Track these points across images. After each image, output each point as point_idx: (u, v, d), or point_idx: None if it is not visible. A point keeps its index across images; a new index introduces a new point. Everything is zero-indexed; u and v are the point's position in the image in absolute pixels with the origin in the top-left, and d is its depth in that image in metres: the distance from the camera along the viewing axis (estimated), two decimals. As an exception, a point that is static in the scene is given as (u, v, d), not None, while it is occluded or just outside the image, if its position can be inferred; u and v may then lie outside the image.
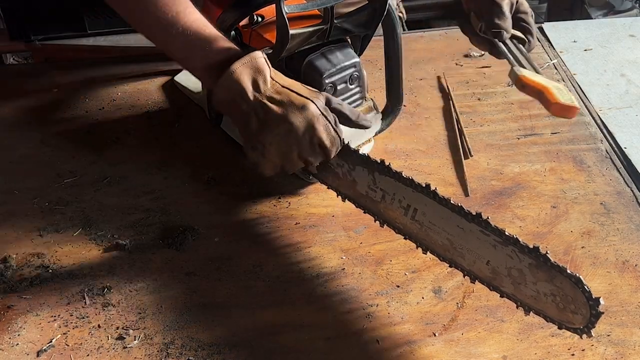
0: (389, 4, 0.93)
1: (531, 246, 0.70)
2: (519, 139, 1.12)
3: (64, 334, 0.81)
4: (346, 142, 0.86)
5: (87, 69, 1.31)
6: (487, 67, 1.30)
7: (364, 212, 0.87)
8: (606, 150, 1.09)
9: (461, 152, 1.09)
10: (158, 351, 0.79)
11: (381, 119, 1.04)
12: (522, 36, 1.01)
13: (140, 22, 0.88)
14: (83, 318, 0.83)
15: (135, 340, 0.80)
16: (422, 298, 0.85)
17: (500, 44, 0.98)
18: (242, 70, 0.81)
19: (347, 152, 0.86)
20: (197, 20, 0.85)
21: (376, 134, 1.05)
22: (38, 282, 0.87)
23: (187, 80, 1.22)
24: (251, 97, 0.82)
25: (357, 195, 0.87)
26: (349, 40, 0.98)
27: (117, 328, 0.82)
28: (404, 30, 0.98)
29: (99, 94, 1.24)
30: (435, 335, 0.81)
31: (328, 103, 0.85)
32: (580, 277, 0.67)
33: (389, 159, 0.83)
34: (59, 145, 1.11)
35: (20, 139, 1.13)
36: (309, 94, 0.83)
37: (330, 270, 0.89)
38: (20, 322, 0.82)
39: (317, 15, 0.93)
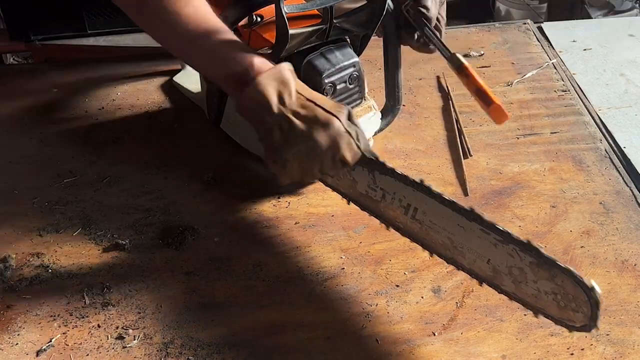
0: (388, 4, 0.93)
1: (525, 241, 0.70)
2: (518, 138, 1.12)
3: (63, 333, 0.81)
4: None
5: (87, 69, 1.31)
6: (486, 67, 1.31)
7: (361, 209, 0.87)
8: (605, 150, 1.09)
9: (460, 151, 1.09)
10: (158, 351, 0.79)
11: (380, 119, 1.04)
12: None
13: (161, 35, 0.88)
14: (83, 318, 0.83)
15: (134, 339, 0.80)
16: (422, 297, 0.85)
17: (425, 27, 0.94)
18: (267, 82, 0.79)
19: None
20: (218, 32, 0.84)
21: (375, 134, 1.05)
22: (38, 282, 0.87)
23: (186, 80, 1.22)
24: (275, 110, 0.80)
25: (357, 195, 0.87)
26: (348, 40, 0.98)
27: (117, 328, 0.82)
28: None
29: (99, 94, 1.24)
30: (434, 334, 0.81)
31: (350, 117, 0.83)
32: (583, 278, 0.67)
33: (389, 159, 0.83)
34: (59, 145, 1.11)
35: (20, 139, 1.13)
36: (333, 108, 0.81)
37: (329, 269, 0.89)
38: (20, 322, 0.83)
39: (316, 15, 0.93)
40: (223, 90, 0.96)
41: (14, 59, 2.18)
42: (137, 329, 0.82)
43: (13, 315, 0.83)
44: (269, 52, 0.89)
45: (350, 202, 0.89)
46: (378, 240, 0.93)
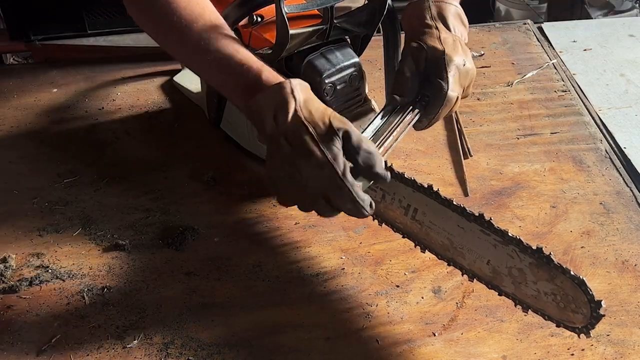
0: (388, 4, 0.93)
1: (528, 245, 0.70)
2: (518, 138, 1.12)
3: (63, 333, 0.81)
4: None
5: (87, 69, 1.31)
6: (486, 67, 1.30)
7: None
8: (606, 150, 1.09)
9: (461, 152, 1.09)
10: (158, 351, 0.79)
11: (381, 119, 1.04)
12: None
13: (172, 46, 0.87)
14: (83, 318, 0.83)
15: (134, 340, 0.80)
16: (422, 298, 0.85)
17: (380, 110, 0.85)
18: (265, 102, 0.76)
19: None
20: (228, 44, 0.81)
21: (376, 134, 1.05)
22: (38, 282, 0.87)
23: (186, 80, 1.22)
24: (269, 131, 0.75)
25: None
26: (348, 40, 0.98)
27: (117, 328, 0.82)
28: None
29: (99, 94, 1.24)
30: (434, 335, 0.81)
31: (355, 144, 0.73)
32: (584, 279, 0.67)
33: (389, 159, 0.83)
34: (59, 145, 1.11)
35: (20, 139, 1.13)
36: (324, 140, 0.72)
37: (329, 270, 0.89)
38: (20, 322, 0.82)
39: (316, 15, 0.93)
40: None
41: (14, 59, 2.18)
42: (137, 329, 0.82)
43: (13, 316, 0.83)
44: (269, 52, 0.89)
45: None
46: (378, 241, 0.93)
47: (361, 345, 0.80)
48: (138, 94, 1.23)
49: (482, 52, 1.35)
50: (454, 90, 0.84)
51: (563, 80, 1.26)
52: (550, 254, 0.69)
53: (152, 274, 0.89)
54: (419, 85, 0.86)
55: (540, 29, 1.45)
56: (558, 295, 0.70)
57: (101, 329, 0.82)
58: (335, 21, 0.90)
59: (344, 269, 0.89)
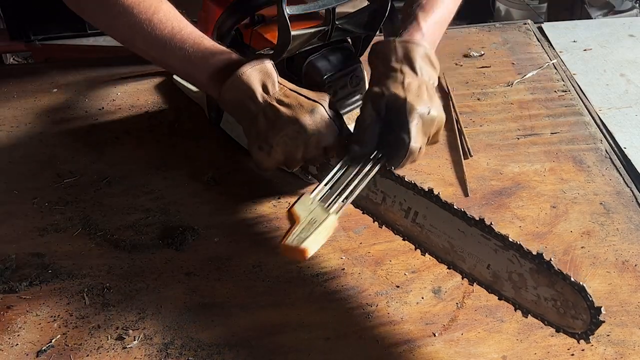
0: (389, 5, 0.93)
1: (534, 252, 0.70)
2: (518, 139, 1.12)
3: (63, 334, 0.81)
4: None
5: (87, 69, 1.31)
6: (486, 67, 1.30)
7: (363, 213, 0.88)
8: (606, 150, 1.09)
9: (461, 152, 1.09)
10: (158, 351, 0.79)
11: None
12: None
13: (136, 44, 0.89)
14: (83, 318, 0.83)
15: (134, 340, 0.80)
16: (422, 298, 0.85)
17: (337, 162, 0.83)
18: (251, 73, 0.83)
19: None
20: (192, 33, 0.86)
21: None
22: (38, 282, 0.87)
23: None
24: (260, 99, 0.83)
25: (357, 197, 0.86)
26: (349, 41, 0.98)
27: (117, 328, 0.82)
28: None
29: (99, 94, 1.24)
30: (435, 335, 0.81)
31: (331, 104, 0.85)
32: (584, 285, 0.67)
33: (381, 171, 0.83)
34: (59, 145, 1.11)
35: (20, 139, 1.13)
36: (317, 97, 0.84)
37: (330, 270, 0.89)
38: (20, 322, 0.82)
39: (318, 16, 0.93)
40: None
41: (14, 59, 2.18)
42: (137, 329, 0.82)
43: (13, 316, 0.83)
44: (270, 52, 0.89)
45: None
46: (378, 241, 0.93)
47: (361, 346, 0.80)
48: (138, 94, 1.23)
49: (482, 52, 1.35)
50: (416, 141, 0.81)
51: (563, 80, 1.26)
52: (550, 259, 0.69)
53: (152, 274, 0.89)
54: (380, 134, 0.82)
55: (540, 29, 1.45)
56: (558, 300, 0.70)
57: (101, 329, 0.82)
58: (336, 22, 0.90)
59: (344, 269, 0.89)
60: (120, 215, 0.97)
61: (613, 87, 1.26)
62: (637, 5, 2.52)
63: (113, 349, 0.79)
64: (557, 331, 0.72)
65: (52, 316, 0.83)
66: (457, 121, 1.15)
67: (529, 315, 0.74)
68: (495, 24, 1.48)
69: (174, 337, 0.81)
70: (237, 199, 1.00)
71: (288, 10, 0.83)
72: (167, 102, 1.21)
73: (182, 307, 0.84)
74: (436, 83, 0.88)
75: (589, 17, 2.44)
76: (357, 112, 0.97)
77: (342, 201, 0.78)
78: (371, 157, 0.82)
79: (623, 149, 1.09)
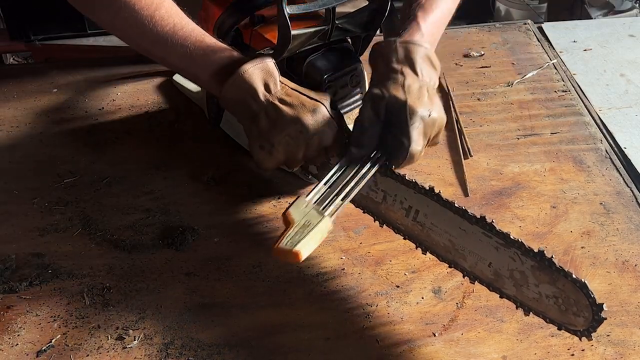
0: (389, 5, 0.93)
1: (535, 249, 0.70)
2: (518, 139, 1.12)
3: (63, 334, 0.81)
4: None
5: (87, 69, 1.31)
6: (486, 67, 1.30)
7: (364, 212, 0.88)
8: (606, 151, 1.09)
9: (461, 152, 1.09)
10: (158, 351, 0.79)
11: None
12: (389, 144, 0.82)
13: (137, 41, 0.89)
14: (83, 318, 0.83)
15: (135, 340, 0.80)
16: (422, 298, 0.85)
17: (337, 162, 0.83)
18: (253, 71, 0.83)
19: None
20: (194, 30, 0.86)
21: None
22: (38, 282, 0.87)
23: (186, 79, 1.22)
24: (262, 97, 0.83)
25: (358, 196, 0.87)
26: (349, 40, 0.98)
27: (117, 328, 0.82)
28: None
29: (99, 94, 1.24)
30: (435, 335, 0.81)
31: (333, 104, 0.86)
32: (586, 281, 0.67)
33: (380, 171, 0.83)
34: (59, 145, 1.11)
35: (20, 139, 1.13)
36: (318, 97, 0.84)
37: (330, 270, 0.89)
38: (20, 323, 0.82)
39: (318, 15, 0.93)
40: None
41: (14, 59, 2.18)
42: (137, 329, 0.82)
43: (13, 316, 0.83)
44: (270, 52, 0.89)
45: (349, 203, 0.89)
46: (378, 241, 0.93)
47: (361, 346, 0.80)
48: (138, 94, 1.23)
49: (482, 52, 1.35)
50: (417, 144, 0.80)
51: (563, 81, 1.26)
52: (552, 256, 0.69)
53: (152, 274, 0.89)
54: (379, 136, 0.82)
55: (540, 29, 1.45)
56: (560, 298, 0.70)
57: (101, 329, 0.82)
58: (336, 22, 0.90)
59: (344, 269, 0.89)
60: (120, 215, 0.97)
61: (613, 87, 1.26)
62: (637, 5, 2.52)
63: (113, 349, 0.79)
64: (559, 329, 0.72)
65: (52, 316, 0.83)
66: (457, 121, 1.15)
67: (531, 313, 0.74)
68: (495, 24, 1.48)
69: (174, 337, 0.81)
70: (237, 199, 1.00)
71: (288, 10, 0.83)
72: (167, 102, 1.21)
73: (182, 307, 0.84)
74: (437, 84, 0.87)
75: (589, 17, 2.44)
76: (357, 111, 0.97)
77: (338, 204, 0.78)
78: (370, 157, 0.82)
79: (623, 149, 1.09)
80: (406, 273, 0.89)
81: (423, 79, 0.84)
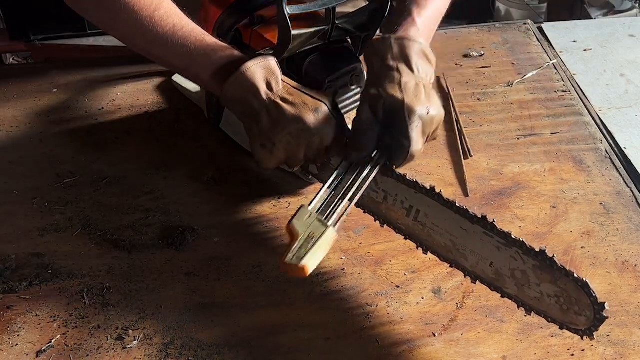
0: (389, 5, 0.93)
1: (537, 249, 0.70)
2: (518, 139, 1.12)
3: (63, 334, 0.81)
4: None
5: (87, 69, 1.31)
6: (486, 67, 1.30)
7: (364, 212, 0.88)
8: (606, 151, 1.09)
9: (461, 152, 1.09)
10: (158, 351, 0.79)
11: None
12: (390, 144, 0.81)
13: (137, 42, 0.89)
14: (83, 318, 0.83)
15: (134, 340, 0.80)
16: (422, 298, 0.85)
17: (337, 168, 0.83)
18: (255, 70, 0.82)
19: None
20: (194, 30, 0.86)
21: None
22: (38, 282, 0.87)
23: (185, 80, 1.22)
24: (264, 96, 0.83)
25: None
26: (349, 40, 0.98)
27: (117, 328, 0.82)
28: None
29: (99, 94, 1.24)
30: (434, 335, 0.81)
31: (334, 104, 0.86)
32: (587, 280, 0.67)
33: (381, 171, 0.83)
34: (59, 145, 1.11)
35: (20, 139, 1.13)
36: (320, 96, 0.84)
37: (329, 270, 0.89)
38: (20, 323, 0.82)
39: (318, 16, 0.93)
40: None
41: (14, 59, 2.18)
42: (137, 329, 0.82)
43: (13, 316, 0.83)
44: (270, 52, 0.89)
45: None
46: (378, 241, 0.93)
47: (361, 346, 0.80)
48: (138, 94, 1.23)
49: (482, 52, 1.35)
50: (417, 144, 0.80)
51: (563, 81, 1.26)
52: (553, 256, 0.69)
53: (152, 274, 0.89)
54: (378, 136, 0.81)
55: (540, 29, 1.45)
56: (561, 297, 0.70)
57: (101, 329, 0.82)
58: (336, 22, 0.90)
59: (344, 269, 0.89)
60: (120, 215, 0.97)
61: (613, 87, 1.26)
62: (637, 5, 2.52)
63: (113, 349, 0.79)
64: (561, 328, 0.72)
65: (52, 316, 0.83)
66: (457, 121, 1.15)
67: (532, 312, 0.74)
68: (495, 24, 1.48)
69: (174, 337, 0.81)
70: (237, 199, 1.00)
71: (288, 10, 0.83)
72: (167, 102, 1.21)
73: (182, 307, 0.84)
74: (433, 78, 0.87)
75: (589, 17, 2.44)
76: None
77: (340, 212, 0.77)
78: (370, 159, 0.82)
79: (623, 149, 1.09)
80: (406, 273, 0.89)
81: (419, 75, 0.83)
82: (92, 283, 0.87)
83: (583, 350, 0.78)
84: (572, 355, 0.78)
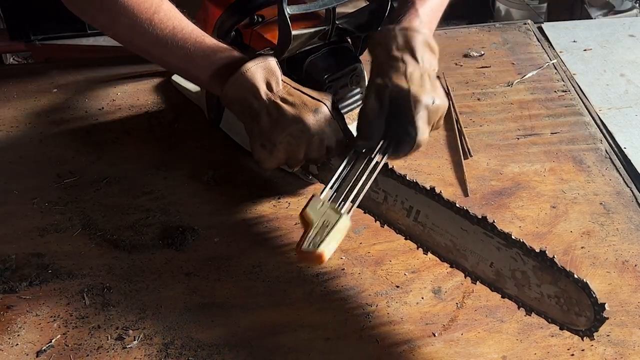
0: (389, 5, 0.93)
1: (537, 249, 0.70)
2: (518, 139, 1.12)
3: (63, 334, 0.81)
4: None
5: (87, 69, 1.31)
6: (486, 67, 1.30)
7: (365, 212, 0.88)
8: (606, 151, 1.09)
9: (461, 152, 1.09)
10: (158, 351, 0.79)
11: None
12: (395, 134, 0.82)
13: (137, 43, 0.88)
14: (83, 318, 0.83)
15: (134, 340, 0.80)
16: (422, 298, 0.85)
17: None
18: (255, 70, 0.82)
19: None
20: (193, 31, 0.86)
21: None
22: (38, 282, 0.87)
23: (185, 80, 1.22)
24: (264, 96, 0.83)
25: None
26: (349, 40, 0.98)
27: (117, 328, 0.82)
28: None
29: (99, 94, 1.24)
30: (434, 335, 0.81)
31: (334, 104, 0.85)
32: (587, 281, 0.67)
33: (389, 160, 0.83)
34: (59, 145, 1.11)
35: (20, 139, 1.13)
36: (319, 96, 0.84)
37: (329, 270, 0.89)
38: (20, 323, 0.82)
39: (318, 16, 0.93)
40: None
41: (14, 59, 2.18)
42: (137, 329, 0.82)
43: (13, 316, 0.83)
44: (270, 52, 0.89)
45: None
46: (378, 241, 0.93)
47: (361, 346, 0.80)
48: (138, 94, 1.23)
49: (482, 52, 1.35)
50: (423, 133, 0.81)
51: (563, 81, 1.26)
52: (553, 256, 0.69)
53: (152, 274, 0.89)
54: (385, 125, 0.82)
55: (540, 29, 1.45)
56: (561, 298, 0.70)
57: (101, 329, 0.82)
58: (336, 22, 0.90)
59: (344, 269, 0.89)
60: (120, 215, 0.97)
61: (613, 87, 1.26)
62: (637, 5, 2.52)
63: (113, 349, 0.79)
64: (561, 329, 0.72)
65: (52, 316, 0.83)
66: (457, 121, 1.15)
67: (532, 313, 0.74)
68: (495, 24, 1.48)
69: (174, 337, 0.81)
70: (237, 199, 1.00)
71: (288, 10, 0.83)
72: (167, 102, 1.21)
73: (182, 307, 0.84)
74: (437, 69, 0.87)
75: (589, 17, 2.44)
76: (357, 111, 0.97)
77: (352, 200, 0.78)
78: (377, 148, 0.82)
79: (623, 149, 1.09)
80: (406, 273, 0.89)
81: (424, 65, 0.84)
82: (92, 283, 0.87)
83: (583, 351, 0.78)
84: (572, 355, 0.78)
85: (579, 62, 1.34)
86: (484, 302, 0.84)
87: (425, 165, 1.06)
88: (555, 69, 1.30)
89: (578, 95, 1.23)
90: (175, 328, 0.82)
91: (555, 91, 1.23)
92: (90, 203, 1.00)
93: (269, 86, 0.83)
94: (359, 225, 0.95)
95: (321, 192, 0.79)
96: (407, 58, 0.83)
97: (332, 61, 0.93)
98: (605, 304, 0.67)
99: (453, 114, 1.17)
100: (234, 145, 1.07)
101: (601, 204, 0.99)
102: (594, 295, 0.67)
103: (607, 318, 0.67)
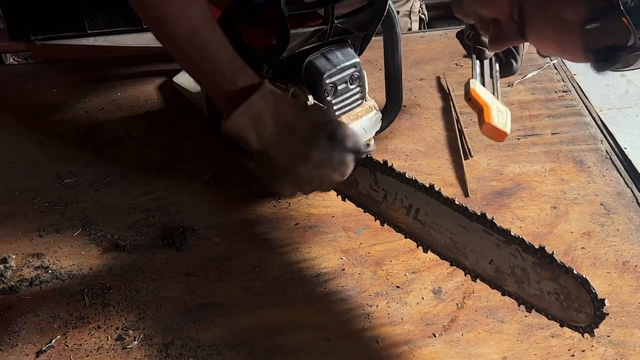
0: (388, 5, 0.93)
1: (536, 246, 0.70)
2: (519, 139, 1.12)
3: (63, 334, 0.81)
4: None
5: (87, 69, 1.31)
6: (487, 67, 1.30)
7: (365, 212, 0.87)
8: (606, 151, 1.09)
9: (461, 152, 1.09)
10: (158, 352, 0.79)
11: (381, 119, 1.04)
12: (503, 57, 0.98)
13: (175, 30, 0.83)
14: (83, 318, 0.83)
15: (134, 340, 0.80)
16: (422, 299, 0.85)
17: (474, 57, 0.96)
18: (242, 121, 0.80)
19: None
20: (216, 39, 0.82)
21: (376, 134, 1.05)
22: (38, 282, 0.87)
23: (186, 80, 1.22)
24: (253, 146, 0.82)
25: (359, 195, 0.87)
26: (349, 40, 0.97)
27: (117, 328, 0.82)
28: (424, 29, 0.96)
29: (99, 94, 1.24)
30: (435, 335, 0.81)
31: (334, 135, 0.81)
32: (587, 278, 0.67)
33: (389, 159, 0.83)
34: (59, 145, 1.11)
35: (20, 139, 1.13)
36: (311, 131, 0.80)
37: (330, 270, 0.89)
38: (20, 323, 0.82)
39: (317, 15, 0.93)
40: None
41: (14, 59, 2.18)
42: (137, 329, 0.81)
43: (13, 316, 0.83)
44: (269, 52, 0.89)
45: (346, 200, 0.89)
46: (378, 241, 0.93)
47: (361, 346, 0.80)
48: (138, 94, 1.23)
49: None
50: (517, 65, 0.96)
51: (563, 81, 1.26)
52: (553, 253, 0.69)
53: (152, 274, 0.89)
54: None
55: (541, 30, 1.44)
56: (561, 294, 0.70)
57: (101, 329, 0.81)
58: (335, 21, 0.90)
59: (344, 269, 0.89)
60: (120, 216, 0.97)
61: (613, 87, 1.26)
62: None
63: (113, 349, 0.79)
64: (561, 326, 0.72)
65: (52, 316, 0.83)
66: (457, 121, 1.15)
67: (532, 310, 0.74)
68: (495, 24, 1.48)
69: (174, 337, 0.81)
70: (237, 199, 1.00)
71: (287, 10, 0.83)
72: (167, 102, 1.21)
73: (182, 307, 0.84)
74: None
75: (589, 18, 2.44)
76: (357, 111, 0.98)
77: (500, 91, 0.90)
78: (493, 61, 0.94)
79: (623, 149, 1.09)
80: (406, 274, 0.88)
81: None
82: (92, 283, 0.87)
83: (583, 351, 0.78)
84: (573, 355, 0.78)
85: (579, 62, 1.34)
86: (485, 303, 0.84)
87: (426, 166, 1.06)
88: (556, 69, 1.30)
89: (578, 95, 1.23)
90: (175, 328, 0.82)
91: (555, 91, 1.23)
92: (90, 203, 1.00)
93: (258, 133, 0.81)
94: (359, 226, 0.95)
95: (470, 79, 0.88)
96: None
97: (331, 60, 0.92)
98: (605, 299, 0.67)
99: (453, 114, 1.17)
100: (234, 145, 1.07)
101: (602, 204, 0.99)
102: (593, 291, 0.67)
103: (607, 314, 0.67)
